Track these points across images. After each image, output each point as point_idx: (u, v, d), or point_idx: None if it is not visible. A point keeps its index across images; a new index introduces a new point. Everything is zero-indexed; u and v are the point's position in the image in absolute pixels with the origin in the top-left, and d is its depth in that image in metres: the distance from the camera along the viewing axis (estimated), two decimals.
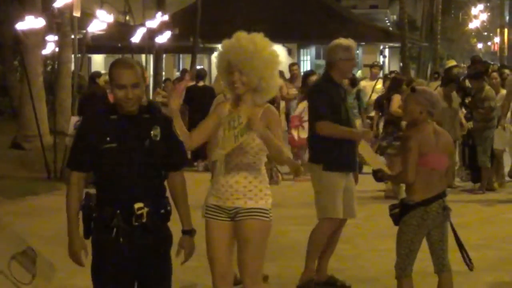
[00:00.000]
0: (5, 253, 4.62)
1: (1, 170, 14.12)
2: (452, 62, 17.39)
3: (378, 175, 5.72)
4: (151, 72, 28.02)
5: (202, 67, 33.43)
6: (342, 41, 6.87)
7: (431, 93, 5.77)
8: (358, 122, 12.16)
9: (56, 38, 21.30)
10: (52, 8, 17.57)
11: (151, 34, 24.63)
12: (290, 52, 37.23)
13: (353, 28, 32.38)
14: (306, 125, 13.71)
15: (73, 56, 17.52)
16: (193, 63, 30.11)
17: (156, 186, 4.35)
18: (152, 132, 4.30)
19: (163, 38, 25.61)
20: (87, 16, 20.25)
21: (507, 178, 12.89)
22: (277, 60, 4.99)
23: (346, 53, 6.77)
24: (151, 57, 28.37)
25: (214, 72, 21.83)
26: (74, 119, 13.26)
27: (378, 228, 9.11)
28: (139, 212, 4.24)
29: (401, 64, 34.64)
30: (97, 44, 26.50)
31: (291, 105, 15.74)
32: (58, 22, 20.21)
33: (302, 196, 11.56)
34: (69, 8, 15.75)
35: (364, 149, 5.93)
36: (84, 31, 21.22)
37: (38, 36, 17.13)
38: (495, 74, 13.75)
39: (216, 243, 4.98)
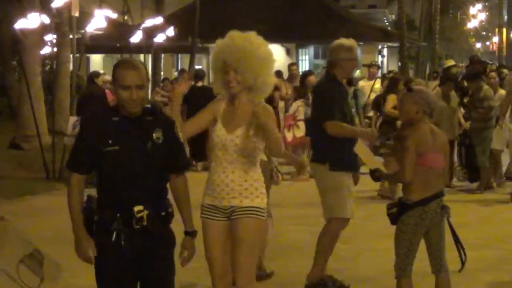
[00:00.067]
0: (12, 256, 4.58)
1: None
2: (451, 62, 17.44)
3: (375, 175, 5.70)
4: (150, 72, 28.00)
5: (200, 67, 33.44)
6: (344, 41, 6.86)
7: (427, 92, 5.77)
8: (356, 121, 12.13)
9: (54, 37, 21.30)
10: (51, 8, 17.55)
11: (150, 33, 24.62)
12: (288, 52, 37.22)
13: (351, 28, 32.33)
14: (300, 124, 13.75)
15: (71, 55, 17.54)
16: (191, 63, 30.07)
17: (157, 189, 4.31)
18: (154, 135, 4.26)
19: (161, 37, 25.60)
20: (86, 15, 20.24)
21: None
22: (272, 58, 4.98)
23: (348, 53, 6.77)
24: (150, 57, 28.38)
25: None
26: (73, 119, 13.28)
27: (376, 228, 9.10)
28: (139, 215, 4.21)
29: (399, 63, 34.61)
30: (96, 44, 26.52)
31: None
32: (56, 21, 20.19)
33: (301, 196, 11.57)
34: (68, 7, 15.78)
35: (361, 149, 5.91)
36: (83, 30, 21.22)
37: (36, 36, 17.09)
38: (493, 74, 13.77)
39: (213, 244, 4.97)
